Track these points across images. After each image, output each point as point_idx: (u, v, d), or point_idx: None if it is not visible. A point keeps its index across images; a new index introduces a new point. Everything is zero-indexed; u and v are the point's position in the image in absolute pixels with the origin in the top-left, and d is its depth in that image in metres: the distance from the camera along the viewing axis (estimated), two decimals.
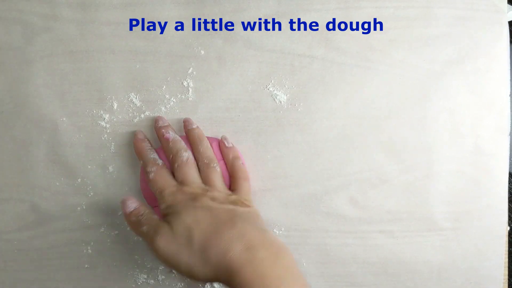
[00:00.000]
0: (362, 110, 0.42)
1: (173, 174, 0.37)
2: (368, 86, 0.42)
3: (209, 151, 0.38)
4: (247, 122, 0.42)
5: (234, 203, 0.35)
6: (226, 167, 0.40)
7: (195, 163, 0.37)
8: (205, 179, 0.37)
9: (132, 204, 0.35)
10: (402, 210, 0.42)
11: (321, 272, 0.43)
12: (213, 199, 0.34)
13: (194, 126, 0.39)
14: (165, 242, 0.32)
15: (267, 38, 0.41)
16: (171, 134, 0.38)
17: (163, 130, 0.38)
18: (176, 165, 0.37)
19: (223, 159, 0.40)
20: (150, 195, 0.40)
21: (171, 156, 0.37)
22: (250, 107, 0.42)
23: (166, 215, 0.34)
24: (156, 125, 0.39)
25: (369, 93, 0.42)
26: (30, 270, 0.42)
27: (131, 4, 0.41)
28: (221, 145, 0.40)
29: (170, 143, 0.38)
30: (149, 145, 0.39)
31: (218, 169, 0.37)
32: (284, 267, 0.32)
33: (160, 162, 0.37)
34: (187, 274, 0.32)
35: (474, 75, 0.42)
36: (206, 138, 0.39)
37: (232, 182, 0.38)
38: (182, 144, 0.38)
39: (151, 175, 0.36)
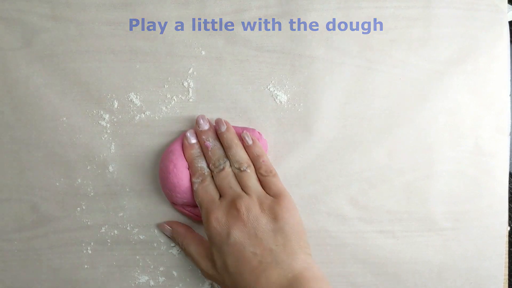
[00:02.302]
0: (362, 110, 0.42)
1: None
2: (368, 86, 0.42)
3: (238, 155, 0.39)
4: (248, 123, 0.42)
5: (270, 208, 0.37)
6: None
7: (231, 171, 0.39)
8: (241, 185, 0.38)
9: (167, 230, 0.41)
10: (402, 210, 0.42)
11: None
12: (248, 211, 0.36)
13: (223, 129, 0.39)
14: (210, 275, 0.38)
15: (267, 38, 0.41)
16: (210, 142, 0.39)
17: (204, 137, 0.39)
18: (214, 174, 0.39)
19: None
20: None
21: (210, 164, 0.39)
22: (251, 107, 0.42)
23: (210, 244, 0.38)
24: (196, 128, 0.40)
25: (369, 93, 0.42)
26: (30, 270, 0.42)
27: (131, 4, 0.41)
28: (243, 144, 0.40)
29: (210, 152, 0.39)
30: (198, 151, 0.40)
31: (249, 170, 0.38)
32: None
33: (206, 171, 0.39)
34: None
35: (474, 75, 0.42)
36: (237, 141, 0.39)
37: (260, 180, 0.39)
38: (220, 152, 0.39)
39: (195, 186, 0.39)
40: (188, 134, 0.40)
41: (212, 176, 0.39)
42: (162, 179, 0.40)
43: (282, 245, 0.35)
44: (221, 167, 0.38)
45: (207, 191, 0.38)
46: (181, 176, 0.39)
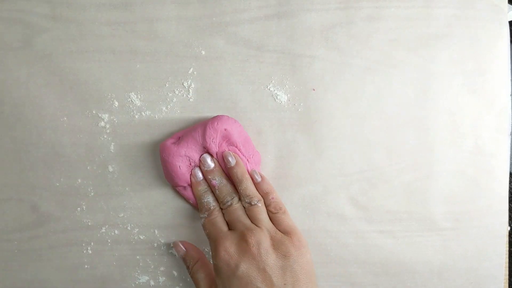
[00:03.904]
0: (362, 110, 0.42)
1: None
2: (368, 86, 0.42)
3: (248, 189, 0.38)
4: (248, 122, 0.42)
5: (280, 244, 0.36)
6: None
7: (241, 205, 0.38)
8: (251, 219, 0.38)
9: (181, 251, 0.41)
10: (402, 210, 0.42)
11: (321, 272, 0.43)
12: (258, 244, 0.35)
13: (232, 164, 0.39)
14: None
15: (267, 38, 0.41)
16: (217, 181, 0.39)
17: (210, 176, 0.39)
18: (224, 211, 0.38)
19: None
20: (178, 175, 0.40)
21: (219, 201, 0.39)
22: (251, 107, 0.42)
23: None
24: (202, 167, 0.40)
25: (369, 93, 0.42)
26: (30, 270, 0.42)
27: (131, 4, 0.41)
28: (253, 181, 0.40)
29: (217, 190, 0.39)
30: (205, 187, 0.40)
31: (260, 204, 0.38)
32: None
33: (212, 206, 0.39)
34: None
35: (474, 75, 0.42)
36: (247, 175, 0.39)
37: (270, 217, 0.38)
38: (227, 189, 0.39)
39: (202, 220, 0.39)
40: (196, 171, 0.39)
41: (221, 209, 0.39)
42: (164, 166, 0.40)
43: (291, 285, 0.34)
44: (229, 203, 0.38)
45: (215, 223, 0.38)
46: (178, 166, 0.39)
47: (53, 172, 0.42)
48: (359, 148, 0.42)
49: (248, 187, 0.39)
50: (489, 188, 0.43)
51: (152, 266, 0.42)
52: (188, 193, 0.41)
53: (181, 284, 0.43)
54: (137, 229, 0.42)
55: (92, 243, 0.42)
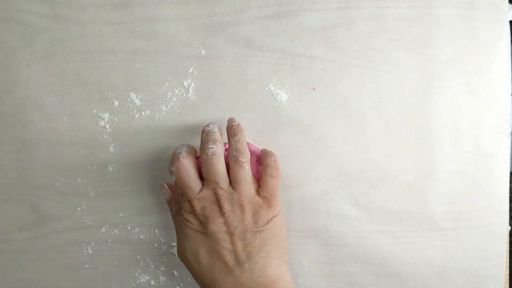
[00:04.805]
0: (362, 110, 0.42)
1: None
2: (368, 86, 0.42)
3: (239, 144, 0.36)
4: (248, 122, 0.42)
5: (255, 212, 0.35)
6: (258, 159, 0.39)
7: (222, 157, 0.36)
8: (231, 176, 0.35)
9: (166, 194, 0.40)
10: (402, 210, 0.42)
11: (321, 272, 0.43)
12: (232, 211, 0.35)
13: (235, 124, 0.38)
14: (180, 255, 0.37)
15: (267, 38, 0.41)
16: (209, 127, 0.37)
17: (207, 127, 0.37)
18: (203, 159, 0.35)
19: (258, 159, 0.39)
20: None
21: (201, 148, 0.36)
22: (251, 107, 0.42)
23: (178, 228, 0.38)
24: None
25: (369, 93, 0.42)
26: (30, 270, 0.42)
27: (131, 4, 0.41)
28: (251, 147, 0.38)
29: (204, 135, 0.37)
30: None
31: (247, 167, 0.35)
32: None
33: (185, 153, 0.36)
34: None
35: (474, 75, 0.42)
36: (242, 132, 0.37)
37: (262, 178, 0.37)
38: (214, 136, 0.36)
39: (174, 170, 0.36)
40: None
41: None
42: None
43: (258, 248, 0.34)
44: (210, 151, 0.35)
45: (187, 174, 0.35)
46: None
47: (53, 172, 0.42)
48: (359, 148, 0.42)
49: (241, 141, 0.36)
50: (489, 188, 0.43)
51: (152, 266, 0.42)
52: None
53: (181, 284, 0.43)
54: (137, 229, 0.42)
55: (92, 243, 0.42)
